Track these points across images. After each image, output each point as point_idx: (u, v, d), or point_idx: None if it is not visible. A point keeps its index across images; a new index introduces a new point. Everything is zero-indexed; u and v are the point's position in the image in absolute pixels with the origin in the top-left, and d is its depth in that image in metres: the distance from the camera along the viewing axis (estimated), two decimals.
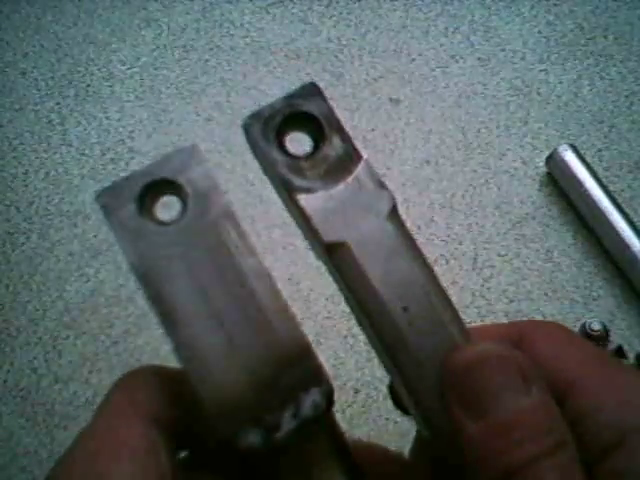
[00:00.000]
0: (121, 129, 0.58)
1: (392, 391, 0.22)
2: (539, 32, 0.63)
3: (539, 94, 0.60)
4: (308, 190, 0.19)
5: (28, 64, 0.62)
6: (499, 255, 0.53)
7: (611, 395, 0.18)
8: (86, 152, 0.58)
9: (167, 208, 0.20)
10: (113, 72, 0.61)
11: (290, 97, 0.19)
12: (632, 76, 0.61)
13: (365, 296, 0.19)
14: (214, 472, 0.21)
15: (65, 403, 0.48)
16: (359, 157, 0.19)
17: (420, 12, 0.64)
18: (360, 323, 0.20)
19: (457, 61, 0.61)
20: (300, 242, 0.52)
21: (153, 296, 0.19)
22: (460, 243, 0.53)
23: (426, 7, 0.64)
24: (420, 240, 0.20)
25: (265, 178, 0.19)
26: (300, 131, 0.20)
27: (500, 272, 0.52)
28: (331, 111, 0.19)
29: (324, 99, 0.19)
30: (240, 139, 0.19)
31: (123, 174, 0.19)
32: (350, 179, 0.19)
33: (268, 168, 0.19)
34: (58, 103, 0.60)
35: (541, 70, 0.61)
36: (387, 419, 0.47)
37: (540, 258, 0.53)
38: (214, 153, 0.56)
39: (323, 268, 0.20)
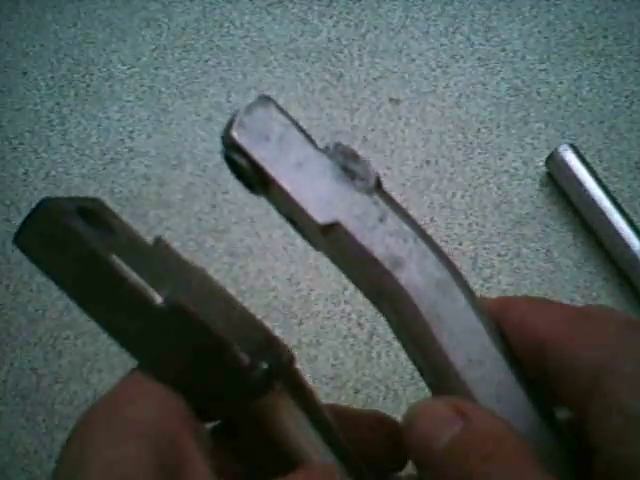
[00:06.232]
0: (121, 129, 0.58)
1: None
2: (539, 32, 0.63)
3: (539, 94, 0.60)
4: None
5: (28, 64, 0.62)
6: (499, 255, 0.53)
7: (583, 344, 0.18)
8: (86, 152, 0.57)
9: None
10: (113, 72, 0.61)
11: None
12: (632, 76, 0.60)
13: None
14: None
15: (65, 403, 0.48)
16: None
17: (420, 12, 0.64)
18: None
19: (457, 61, 0.61)
20: (300, 242, 0.52)
21: None
22: (460, 243, 0.53)
23: (426, 7, 0.64)
24: None
25: None
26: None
27: (500, 272, 0.52)
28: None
29: None
30: None
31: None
32: None
33: None
34: (58, 103, 0.60)
35: (541, 70, 0.61)
36: None
37: (540, 258, 0.53)
38: (214, 153, 0.56)
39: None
